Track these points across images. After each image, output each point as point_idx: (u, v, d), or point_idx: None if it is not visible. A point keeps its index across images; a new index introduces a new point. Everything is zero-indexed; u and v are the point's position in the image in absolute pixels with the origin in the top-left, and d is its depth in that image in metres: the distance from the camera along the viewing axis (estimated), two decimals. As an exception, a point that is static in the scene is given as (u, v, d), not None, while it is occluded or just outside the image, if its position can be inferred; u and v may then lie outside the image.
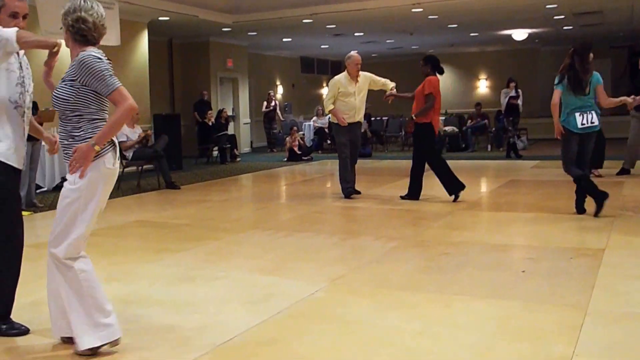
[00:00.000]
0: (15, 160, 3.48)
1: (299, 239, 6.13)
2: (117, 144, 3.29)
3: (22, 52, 3.55)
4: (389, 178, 10.77)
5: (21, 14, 3.46)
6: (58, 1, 9.54)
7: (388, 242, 5.76)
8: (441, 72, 8.30)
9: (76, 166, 3.12)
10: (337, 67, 22.67)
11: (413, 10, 13.34)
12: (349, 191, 8.33)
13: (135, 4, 11.30)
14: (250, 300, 4.14)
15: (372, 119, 18.18)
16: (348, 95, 8.33)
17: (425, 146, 8.08)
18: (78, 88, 3.13)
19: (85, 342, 3.15)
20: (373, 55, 22.40)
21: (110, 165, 3.21)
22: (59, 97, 3.17)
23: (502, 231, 6.39)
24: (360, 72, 8.50)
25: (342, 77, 8.45)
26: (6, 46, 3.22)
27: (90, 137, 3.13)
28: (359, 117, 8.54)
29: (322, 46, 18.47)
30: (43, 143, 3.96)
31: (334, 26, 15.69)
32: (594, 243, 5.52)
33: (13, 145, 3.46)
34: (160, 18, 13.17)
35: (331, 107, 8.30)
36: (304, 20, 14.30)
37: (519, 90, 13.99)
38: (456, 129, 16.51)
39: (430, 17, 14.58)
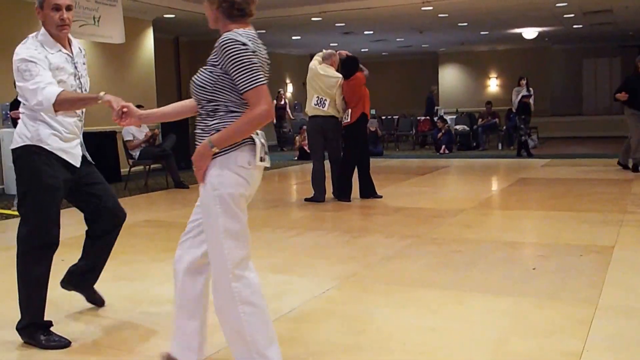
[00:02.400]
0: (70, 157, 3.46)
1: (311, 238, 6.16)
2: (257, 143, 2.68)
3: (75, 51, 3.53)
4: (401, 177, 10.78)
5: (63, 6, 3.36)
6: None
7: (400, 240, 5.78)
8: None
9: (198, 173, 2.66)
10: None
11: (423, 8, 13.33)
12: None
13: (139, 0, 11.29)
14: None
15: (383, 118, 18.21)
16: None
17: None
18: (218, 75, 2.62)
19: None
20: (383, 53, 22.41)
21: (243, 163, 2.65)
22: (196, 83, 2.71)
23: (513, 229, 6.41)
24: None
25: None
26: (40, 105, 3.19)
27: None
28: None
29: (332, 44, 18.47)
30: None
31: (343, 24, 15.70)
32: (604, 240, 5.52)
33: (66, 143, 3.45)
34: (166, 15, 13.16)
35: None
36: (313, 19, 14.32)
37: (531, 89, 13.96)
38: (467, 128, 16.50)
39: (440, 15, 14.56)
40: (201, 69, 2.73)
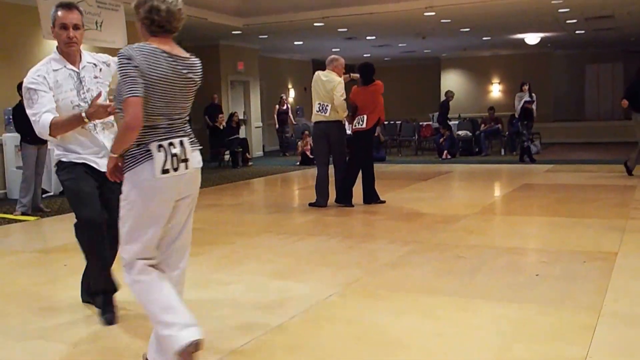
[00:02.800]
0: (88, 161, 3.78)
1: (313, 243, 6.15)
2: (156, 156, 2.86)
3: (83, 65, 3.78)
4: (403, 182, 10.77)
5: (70, 25, 3.65)
6: None
7: (403, 246, 5.77)
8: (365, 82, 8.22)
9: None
10: (350, 70, 22.68)
11: (425, 14, 13.34)
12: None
13: (142, 5, 11.32)
14: (264, 304, 4.16)
15: (386, 123, 18.19)
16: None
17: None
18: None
19: None
20: (385, 59, 22.43)
21: (146, 176, 2.84)
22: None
23: (516, 235, 6.39)
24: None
25: (342, 79, 8.10)
26: (41, 134, 3.56)
27: (136, 142, 2.84)
28: None
29: (334, 49, 18.49)
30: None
31: (345, 30, 15.71)
32: (607, 246, 5.51)
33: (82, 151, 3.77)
34: (168, 20, 13.20)
35: (348, 112, 8.04)
36: (315, 24, 14.33)
37: (534, 95, 13.95)
38: (469, 133, 16.50)
39: (442, 20, 14.58)
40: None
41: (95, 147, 3.82)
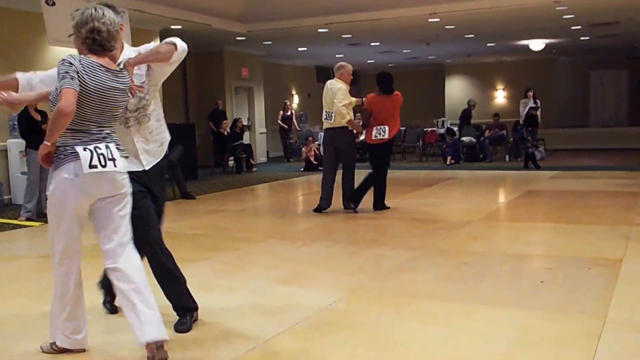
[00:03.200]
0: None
1: (317, 249, 6.15)
2: (82, 155, 3.08)
3: (123, 63, 3.69)
4: (408, 188, 10.76)
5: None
6: (65, 10, 9.67)
7: (407, 252, 5.76)
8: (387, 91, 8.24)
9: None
10: (353, 76, 22.70)
11: (430, 20, 13.36)
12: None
13: (146, 12, 11.33)
14: (269, 310, 4.16)
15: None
16: (350, 106, 8.12)
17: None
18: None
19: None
20: (390, 65, 22.44)
21: (69, 175, 3.08)
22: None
23: (520, 241, 6.38)
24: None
25: (345, 86, 8.13)
26: None
27: (64, 144, 3.11)
28: None
29: (338, 55, 18.52)
30: None
31: (349, 36, 15.74)
32: (612, 253, 5.49)
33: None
34: (173, 27, 13.20)
35: (349, 117, 8.01)
36: (320, 30, 14.35)
37: (538, 101, 13.94)
38: (474, 140, 16.49)
39: (447, 27, 14.59)
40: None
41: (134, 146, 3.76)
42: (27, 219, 8.13)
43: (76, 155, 3.07)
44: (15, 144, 9.73)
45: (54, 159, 3.10)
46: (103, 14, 3.16)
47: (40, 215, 8.29)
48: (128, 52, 3.68)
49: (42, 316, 4.08)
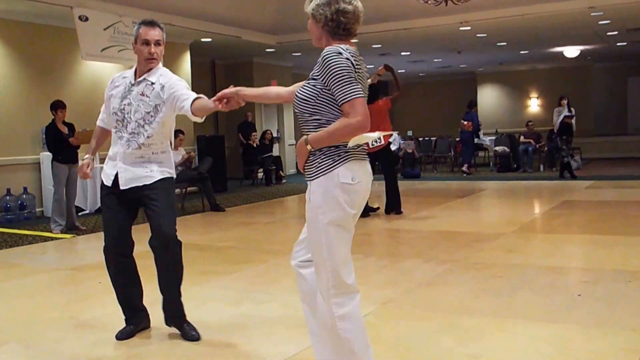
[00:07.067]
0: (106, 178, 3.86)
1: (347, 261, 6.04)
2: (358, 157, 2.77)
3: (141, 78, 3.79)
4: (439, 199, 10.62)
5: (152, 41, 3.72)
6: (97, 26, 9.88)
7: (439, 265, 5.64)
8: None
9: (299, 165, 2.84)
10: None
11: (461, 28, 13.24)
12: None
13: (177, 25, 11.43)
14: (299, 323, 4.07)
15: (420, 139, 18.05)
16: None
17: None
18: (319, 89, 2.65)
19: None
20: (421, 74, 22.34)
21: (348, 180, 2.68)
22: (299, 97, 2.73)
23: (556, 253, 6.20)
24: None
25: None
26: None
27: (326, 150, 2.68)
28: None
29: (368, 66, 18.43)
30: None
31: (379, 46, 15.68)
32: (655, 266, 5.31)
33: (111, 165, 3.85)
34: (203, 39, 13.31)
35: None
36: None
37: (573, 109, 13.69)
38: (507, 149, 16.23)
39: (478, 35, 14.45)
40: (304, 82, 2.75)
41: (123, 163, 3.92)
42: (61, 232, 8.17)
43: (353, 156, 2.74)
44: (48, 157, 9.82)
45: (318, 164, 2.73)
46: None
47: (71, 228, 8.34)
48: (152, 76, 3.77)
49: (74, 329, 4.07)
